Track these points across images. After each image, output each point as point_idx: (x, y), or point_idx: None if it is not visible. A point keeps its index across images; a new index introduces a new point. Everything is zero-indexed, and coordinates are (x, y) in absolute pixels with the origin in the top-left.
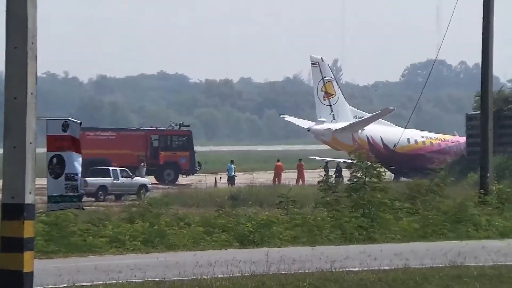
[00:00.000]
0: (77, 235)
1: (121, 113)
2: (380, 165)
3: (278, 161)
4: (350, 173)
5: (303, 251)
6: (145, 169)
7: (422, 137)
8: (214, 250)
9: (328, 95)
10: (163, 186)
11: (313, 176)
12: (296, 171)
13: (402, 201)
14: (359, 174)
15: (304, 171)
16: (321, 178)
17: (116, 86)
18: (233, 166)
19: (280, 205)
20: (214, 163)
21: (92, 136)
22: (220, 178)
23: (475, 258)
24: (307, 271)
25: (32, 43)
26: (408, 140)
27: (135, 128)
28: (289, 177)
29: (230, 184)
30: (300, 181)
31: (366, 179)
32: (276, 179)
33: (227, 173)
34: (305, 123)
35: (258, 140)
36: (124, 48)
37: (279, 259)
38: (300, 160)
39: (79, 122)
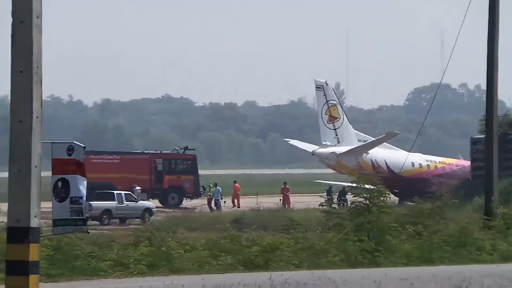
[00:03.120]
0: (81, 259)
1: (126, 137)
2: (384, 187)
3: (235, 182)
4: (353, 196)
5: (307, 275)
6: (138, 191)
7: (426, 160)
8: (219, 273)
9: (332, 118)
10: (167, 210)
11: (316, 200)
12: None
13: (405, 224)
14: (362, 197)
15: (289, 194)
16: (324, 201)
17: (120, 110)
18: (219, 189)
19: (285, 229)
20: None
21: (97, 160)
22: (225, 201)
23: (480, 283)
24: None
25: (37, 67)
26: (413, 164)
27: (139, 151)
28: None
29: (216, 209)
30: (286, 205)
31: (371, 202)
32: (235, 200)
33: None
34: (309, 147)
35: (261, 164)
36: (128, 71)
37: (283, 282)
38: (285, 183)
39: (83, 145)
